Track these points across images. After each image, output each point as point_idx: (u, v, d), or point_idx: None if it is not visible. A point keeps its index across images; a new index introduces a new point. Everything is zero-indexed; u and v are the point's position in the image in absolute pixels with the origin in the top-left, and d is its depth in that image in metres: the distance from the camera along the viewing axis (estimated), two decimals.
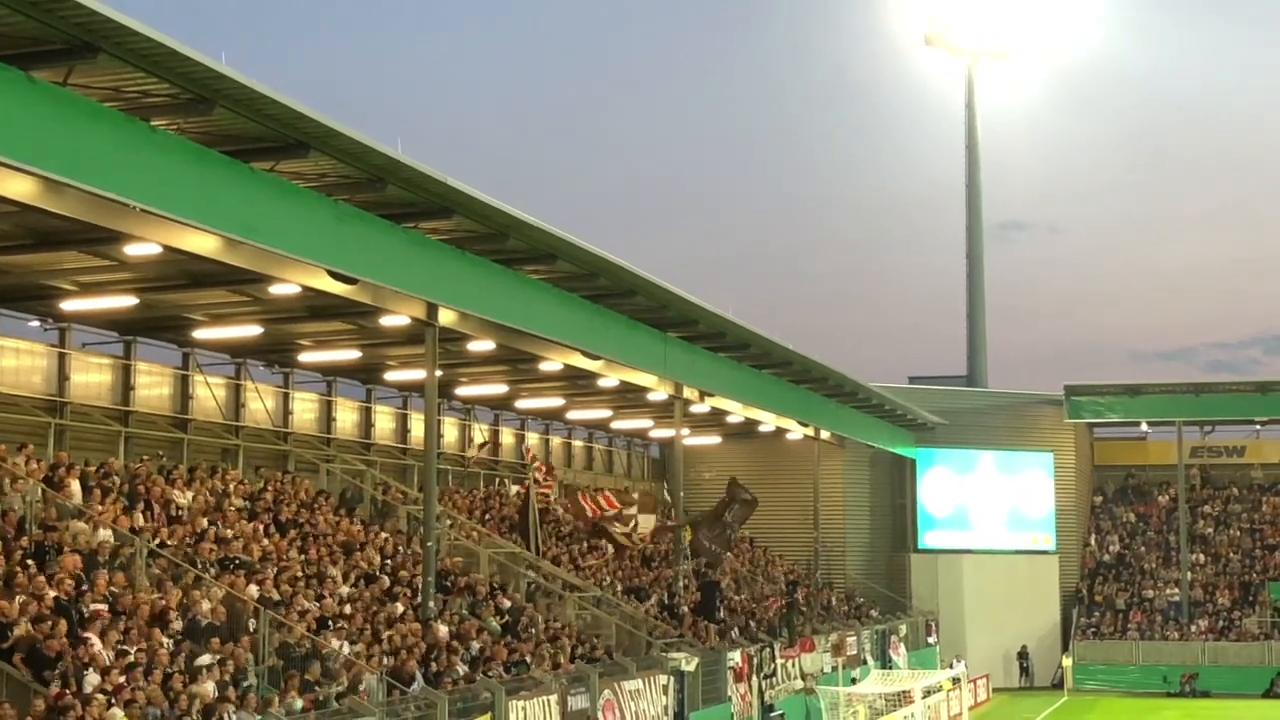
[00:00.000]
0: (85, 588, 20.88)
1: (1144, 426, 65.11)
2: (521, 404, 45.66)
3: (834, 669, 43.28)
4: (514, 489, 42.18)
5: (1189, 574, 60.23)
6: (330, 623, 24.83)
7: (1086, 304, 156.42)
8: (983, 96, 75.17)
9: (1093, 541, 64.03)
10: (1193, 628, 58.43)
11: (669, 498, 42.86)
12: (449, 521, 35.95)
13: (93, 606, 20.48)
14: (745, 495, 41.51)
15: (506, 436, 48.06)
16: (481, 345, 31.57)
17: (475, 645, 27.72)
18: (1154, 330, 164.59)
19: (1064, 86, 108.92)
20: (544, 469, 39.28)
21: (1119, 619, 59.83)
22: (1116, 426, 65.65)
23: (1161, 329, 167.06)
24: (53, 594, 20.11)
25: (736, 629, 40.56)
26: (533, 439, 48.50)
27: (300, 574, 26.51)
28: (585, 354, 33.99)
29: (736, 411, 46.10)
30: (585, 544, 41.76)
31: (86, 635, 19.38)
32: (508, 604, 31.82)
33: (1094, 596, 61.30)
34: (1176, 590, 60.20)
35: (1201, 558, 61.83)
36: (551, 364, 34.59)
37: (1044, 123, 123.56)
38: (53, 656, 18.53)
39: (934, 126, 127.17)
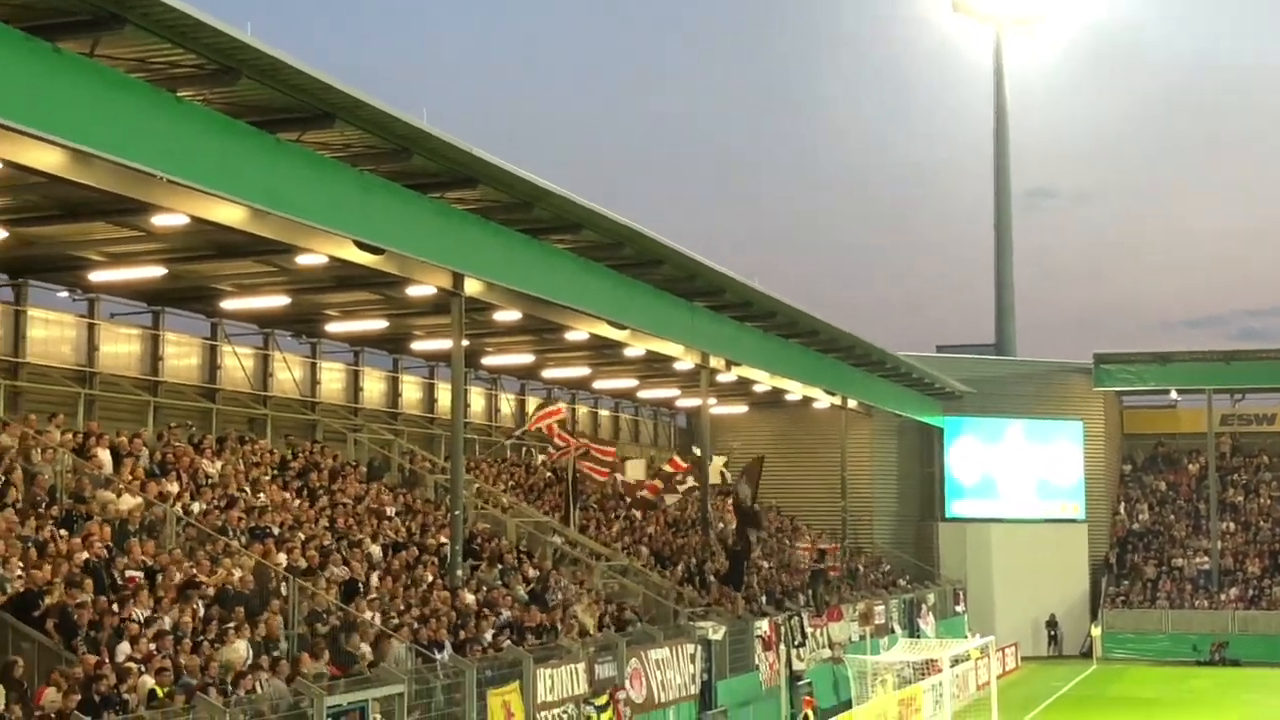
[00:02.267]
0: (117, 554, 21.04)
1: (1173, 394, 64.77)
2: (548, 373, 45.70)
3: (861, 638, 43.30)
4: (540, 458, 42.32)
5: (1219, 542, 60.01)
6: (361, 587, 24.98)
7: (1115, 271, 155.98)
8: (1010, 62, 74.76)
9: (1122, 510, 63.85)
10: (1222, 596, 58.24)
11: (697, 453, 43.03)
12: (476, 490, 36.07)
13: (128, 574, 20.65)
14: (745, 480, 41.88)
15: (532, 406, 48.07)
16: (507, 315, 31.61)
17: (504, 613, 27.83)
18: (1184, 297, 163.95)
19: (1092, 51, 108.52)
20: (561, 435, 39.44)
21: (1148, 588, 59.68)
22: (1146, 394, 65.35)
23: (1191, 296, 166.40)
24: (84, 555, 20.29)
25: (764, 597, 40.62)
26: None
27: (329, 542, 26.66)
28: (611, 323, 34.00)
29: (763, 380, 46.07)
30: (612, 511, 41.88)
31: (118, 603, 19.52)
32: (534, 572, 31.94)
33: (1123, 565, 61.14)
34: (1206, 559, 60.01)
35: (1231, 526, 61.60)
36: (578, 333, 34.61)
37: (1072, 88, 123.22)
38: (85, 625, 18.69)
39: (962, 93, 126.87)
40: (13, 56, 16.75)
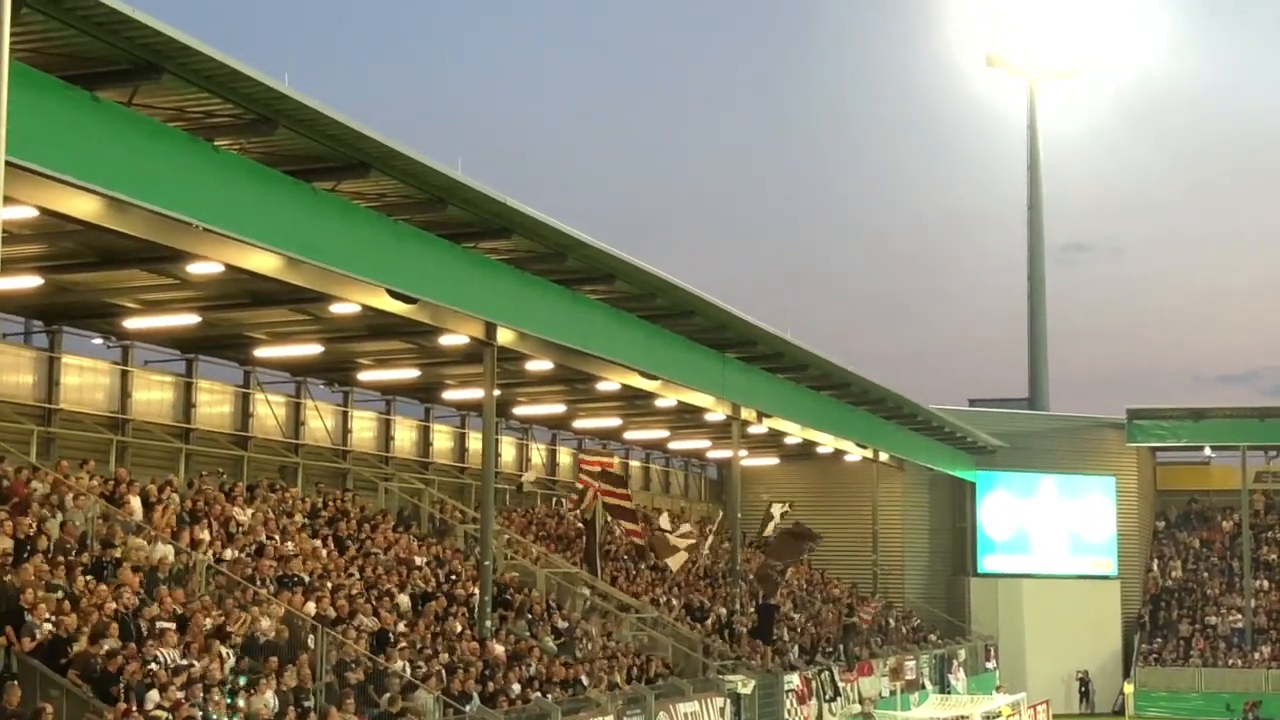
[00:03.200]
0: (146, 603, 21.01)
1: (1207, 451, 64.39)
2: (579, 424, 45.66)
3: (892, 693, 42.97)
4: (570, 510, 42.22)
5: (1253, 600, 59.45)
6: (391, 637, 24.88)
7: (1149, 326, 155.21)
8: (1045, 116, 74.88)
9: (1155, 567, 63.32)
10: (1256, 655, 57.65)
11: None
12: (506, 540, 35.97)
13: (159, 625, 20.60)
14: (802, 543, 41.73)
15: (564, 456, 48.04)
16: (539, 365, 31.61)
17: (532, 665, 27.69)
18: (1218, 353, 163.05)
19: (1126, 106, 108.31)
20: (581, 479, 39.40)
21: (1182, 645, 59.12)
22: (1179, 450, 64.94)
23: (1225, 352, 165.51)
24: (113, 606, 20.26)
25: (796, 649, 40.36)
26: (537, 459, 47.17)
27: (359, 592, 26.58)
28: (643, 374, 33.96)
29: (794, 433, 45.95)
30: (641, 564, 41.71)
31: (148, 652, 19.47)
32: (563, 624, 31.79)
33: (1156, 622, 60.60)
34: (1240, 617, 59.42)
35: (1265, 584, 61.01)
36: (609, 384, 34.57)
37: (1106, 143, 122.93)
38: (114, 673, 18.64)
39: (996, 147, 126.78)
40: (52, 105, 16.88)
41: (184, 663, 19.72)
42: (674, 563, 40.05)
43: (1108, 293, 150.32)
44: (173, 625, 20.76)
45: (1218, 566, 63.12)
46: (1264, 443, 62.32)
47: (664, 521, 41.46)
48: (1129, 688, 56.62)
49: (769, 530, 45.51)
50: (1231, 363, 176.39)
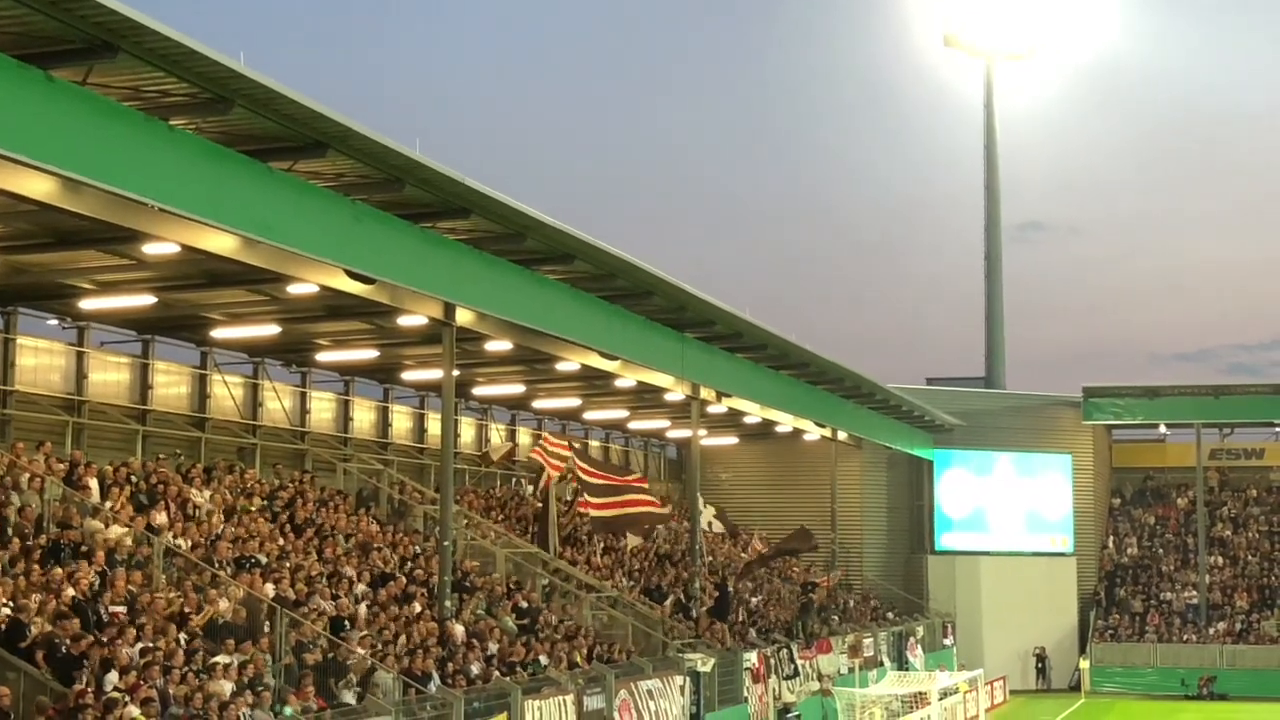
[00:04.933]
0: (103, 587, 20.93)
1: (1162, 429, 64.86)
2: (538, 404, 45.65)
3: (850, 670, 43.21)
4: (529, 489, 42.21)
5: (1207, 577, 60.01)
6: (347, 622, 24.86)
7: (1105, 305, 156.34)
8: (1001, 97, 75.13)
9: (1110, 544, 63.83)
10: (1211, 630, 58.22)
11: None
12: (465, 521, 35.96)
13: (112, 608, 20.52)
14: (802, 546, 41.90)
15: (523, 437, 48.04)
16: (499, 345, 31.59)
17: (492, 645, 27.72)
18: (1173, 332, 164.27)
19: (1083, 87, 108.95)
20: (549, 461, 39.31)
21: (1137, 621, 59.64)
22: (1135, 428, 65.36)
23: (1181, 330, 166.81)
24: (71, 592, 20.17)
25: (754, 630, 40.51)
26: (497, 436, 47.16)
27: (317, 573, 26.54)
28: (602, 354, 33.98)
29: (754, 412, 46.05)
30: (601, 543, 41.74)
31: (106, 636, 19.41)
32: (524, 604, 31.82)
33: (1112, 599, 61.10)
34: (1194, 593, 59.99)
35: (1220, 560, 61.60)
36: (568, 364, 34.58)
37: (1063, 123, 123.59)
38: (74, 656, 18.57)
39: (954, 127, 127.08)
40: (6, 84, 16.74)
41: (143, 647, 19.66)
42: (633, 540, 40.04)
43: (1065, 272, 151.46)
44: (124, 609, 20.68)
45: (1173, 543, 63.66)
46: (1218, 420, 62.77)
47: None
48: (1085, 664, 57.14)
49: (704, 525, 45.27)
50: (1187, 341, 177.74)
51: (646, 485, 38.61)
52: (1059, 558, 60.87)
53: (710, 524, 45.35)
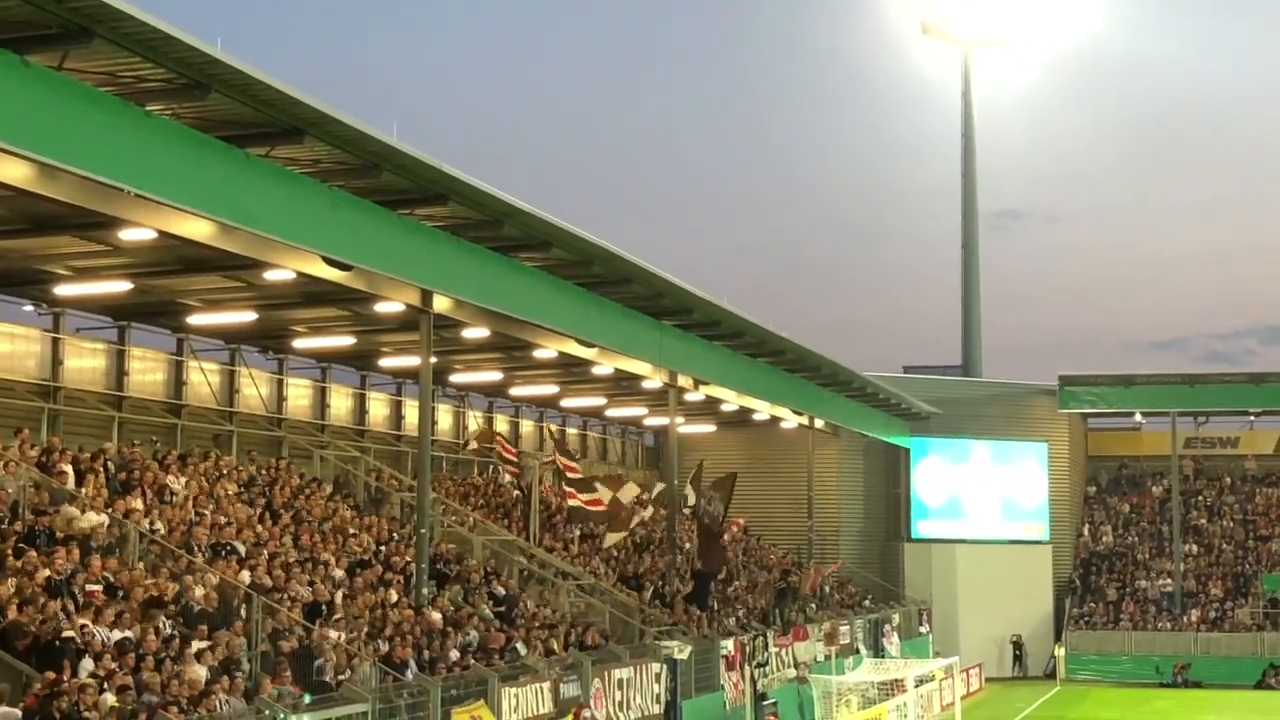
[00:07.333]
0: (78, 572, 20.88)
1: (1138, 417, 65.19)
2: (516, 391, 45.64)
3: (826, 658, 43.29)
4: (506, 477, 42.21)
5: (1182, 565, 60.31)
6: (323, 609, 24.84)
7: (1082, 293, 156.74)
8: (979, 85, 75.12)
9: (1086, 532, 64.10)
10: (1185, 618, 58.51)
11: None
12: (442, 508, 35.94)
13: (88, 588, 20.48)
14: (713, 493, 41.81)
15: (500, 424, 48.01)
16: (476, 332, 31.55)
17: (470, 633, 27.73)
18: (1150, 319, 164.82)
19: (1061, 75, 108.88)
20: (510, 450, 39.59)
21: (1112, 609, 59.91)
22: (1110, 417, 65.63)
23: (1156, 319, 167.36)
24: (46, 573, 20.12)
25: (731, 618, 40.57)
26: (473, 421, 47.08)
27: (293, 560, 26.51)
28: (580, 341, 33.97)
29: (731, 400, 46.10)
30: (579, 530, 41.78)
31: (83, 621, 19.37)
32: (501, 591, 31.84)
33: (1087, 586, 61.37)
34: (1169, 581, 60.29)
35: (1194, 548, 61.91)
36: (546, 351, 34.55)
37: (1041, 111, 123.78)
38: (48, 641, 18.53)
39: (932, 115, 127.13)
40: None
41: (119, 635, 19.62)
42: (612, 538, 40.05)
43: (1041, 260, 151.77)
44: (100, 588, 20.64)
45: (1148, 531, 63.97)
46: (1193, 409, 63.17)
47: (625, 495, 40.95)
48: (1060, 651, 57.36)
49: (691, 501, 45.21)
50: (1162, 330, 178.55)
51: (625, 488, 38.91)
52: (1035, 545, 61.10)
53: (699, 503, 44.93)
